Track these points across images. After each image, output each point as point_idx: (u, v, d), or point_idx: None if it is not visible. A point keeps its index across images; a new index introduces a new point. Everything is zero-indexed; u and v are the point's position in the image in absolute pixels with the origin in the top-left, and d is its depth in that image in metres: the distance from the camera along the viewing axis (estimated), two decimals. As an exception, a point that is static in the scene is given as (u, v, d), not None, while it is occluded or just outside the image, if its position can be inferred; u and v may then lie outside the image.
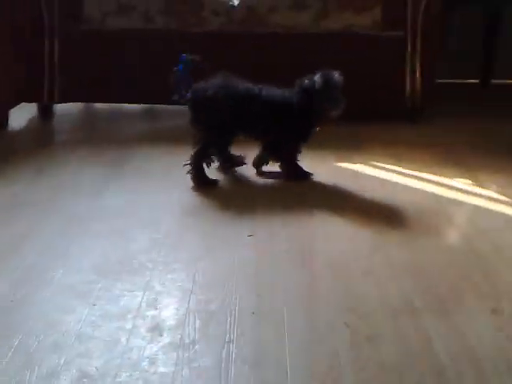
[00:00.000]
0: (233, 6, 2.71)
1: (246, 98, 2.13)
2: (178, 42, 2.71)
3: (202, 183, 2.16)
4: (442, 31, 2.90)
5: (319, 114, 2.14)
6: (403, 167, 2.35)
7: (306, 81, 2.12)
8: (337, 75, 2.11)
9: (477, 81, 3.53)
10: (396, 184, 2.21)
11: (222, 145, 2.22)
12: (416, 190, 2.15)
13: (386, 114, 2.89)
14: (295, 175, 2.22)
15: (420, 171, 2.31)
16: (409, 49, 2.70)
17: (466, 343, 1.32)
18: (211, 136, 2.15)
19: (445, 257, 1.70)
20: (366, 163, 2.39)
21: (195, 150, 2.14)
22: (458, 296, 1.50)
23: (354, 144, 2.60)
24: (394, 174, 2.30)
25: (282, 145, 2.20)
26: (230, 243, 1.76)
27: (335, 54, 2.70)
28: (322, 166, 2.35)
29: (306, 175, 2.23)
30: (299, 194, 2.13)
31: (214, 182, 2.18)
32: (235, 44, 2.73)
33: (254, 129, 2.19)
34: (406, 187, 2.18)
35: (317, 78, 2.10)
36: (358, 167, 2.36)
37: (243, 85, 2.15)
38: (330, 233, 1.84)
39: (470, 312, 1.44)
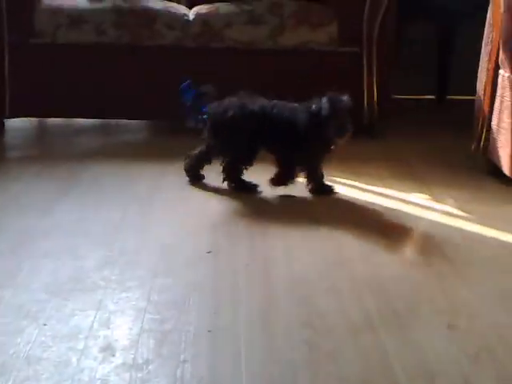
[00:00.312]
0: (188, 21, 2.69)
1: (261, 117, 2.15)
2: (130, 55, 2.68)
3: (243, 190, 2.19)
4: (397, 47, 2.93)
5: (327, 139, 2.12)
6: (361, 182, 2.36)
7: (314, 105, 2.10)
8: (345, 100, 2.08)
9: (433, 96, 3.58)
10: (354, 199, 2.21)
11: (245, 161, 2.20)
12: (374, 205, 2.15)
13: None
14: (319, 190, 2.21)
15: (377, 186, 2.32)
16: (365, 64, 2.72)
17: (423, 359, 1.31)
18: (233, 154, 2.17)
19: (403, 272, 1.69)
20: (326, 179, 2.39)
21: (224, 165, 2.18)
22: (416, 311, 1.50)
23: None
24: (353, 190, 2.30)
25: (299, 163, 2.20)
26: (189, 259, 1.73)
27: (292, 70, 2.71)
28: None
29: (330, 190, 2.22)
30: (260, 209, 2.11)
31: (255, 188, 2.21)
32: (190, 58, 2.71)
33: (271, 146, 2.20)
34: (364, 202, 2.18)
35: (324, 103, 2.07)
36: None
37: (258, 103, 2.16)
38: (292, 248, 1.82)
39: (426, 327, 1.43)
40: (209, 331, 1.39)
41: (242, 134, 2.14)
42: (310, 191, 2.20)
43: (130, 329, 1.39)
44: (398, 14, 2.81)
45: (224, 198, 2.18)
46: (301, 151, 2.15)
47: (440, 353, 1.33)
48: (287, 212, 2.09)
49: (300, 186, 2.25)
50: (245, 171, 2.20)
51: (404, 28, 3.32)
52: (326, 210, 2.09)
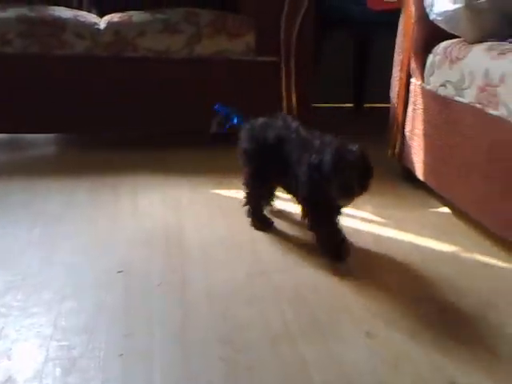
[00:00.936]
0: (98, 30, 2.60)
1: (274, 149, 1.85)
2: (38, 65, 2.56)
3: (257, 224, 2.01)
4: (315, 56, 2.94)
5: (329, 199, 1.70)
6: (280, 192, 2.33)
7: (314, 156, 1.70)
8: (353, 154, 1.65)
9: (351, 105, 3.62)
10: (275, 210, 2.17)
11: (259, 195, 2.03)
12: (292, 215, 2.13)
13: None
14: (324, 246, 1.82)
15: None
16: (283, 74, 2.71)
17: (342, 369, 1.29)
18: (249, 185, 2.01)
19: (322, 281, 1.68)
20: (231, 188, 2.35)
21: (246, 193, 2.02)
22: (335, 320, 1.48)
23: (234, 170, 2.55)
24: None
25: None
26: (98, 280, 1.64)
27: (209, 79, 2.66)
28: (198, 194, 2.29)
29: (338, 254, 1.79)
30: (175, 227, 2.04)
31: (269, 224, 2.01)
32: (102, 68, 2.61)
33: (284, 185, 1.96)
34: (283, 213, 2.15)
35: (326, 156, 1.66)
36: (239, 193, 2.31)
37: (274, 131, 1.87)
38: (210, 261, 1.77)
39: (345, 336, 1.42)
40: (120, 355, 1.32)
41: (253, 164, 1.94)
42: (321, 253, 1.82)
43: (34, 358, 1.30)
44: (316, 23, 2.81)
45: (137, 215, 2.10)
46: (304, 205, 1.84)
47: (359, 361, 1.32)
48: (205, 225, 2.03)
49: (213, 200, 2.20)
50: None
51: (322, 38, 3.34)
52: (242, 222, 2.05)
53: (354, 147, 1.67)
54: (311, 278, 1.69)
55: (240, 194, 2.27)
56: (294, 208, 1.97)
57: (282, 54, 2.69)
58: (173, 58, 2.64)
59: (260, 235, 1.95)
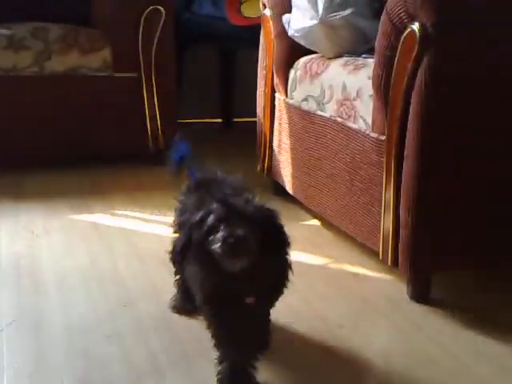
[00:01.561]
0: None
1: None
2: None
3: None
4: (178, 72, 2.89)
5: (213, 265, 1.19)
6: (147, 213, 2.25)
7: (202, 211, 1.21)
8: (242, 204, 1.20)
9: (220, 120, 3.61)
10: (138, 232, 2.09)
11: None
12: (160, 237, 2.05)
13: (131, 158, 2.79)
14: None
15: (165, 215, 2.23)
16: (145, 90, 2.64)
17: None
18: None
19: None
20: (106, 212, 2.24)
21: None
22: (203, 351, 1.40)
23: (94, 192, 2.45)
24: (137, 222, 2.18)
25: None
26: None
27: (64, 97, 2.54)
28: (56, 221, 2.14)
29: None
30: (27, 258, 1.89)
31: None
32: None
33: None
34: (148, 234, 2.07)
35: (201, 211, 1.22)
36: (98, 217, 2.20)
37: None
38: (68, 294, 1.65)
39: (214, 367, 1.35)
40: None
41: None
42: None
43: None
44: (178, 38, 2.77)
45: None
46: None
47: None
48: (63, 254, 1.91)
49: (72, 227, 2.07)
50: None
51: (186, 53, 3.31)
52: (106, 244, 1.95)
53: (251, 197, 1.23)
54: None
55: (100, 218, 2.17)
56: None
57: (142, 69, 2.62)
58: (21, 75, 2.50)
59: (124, 262, 1.86)
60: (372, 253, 1.80)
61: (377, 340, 1.49)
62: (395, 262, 1.65)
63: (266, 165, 2.43)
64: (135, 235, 2.06)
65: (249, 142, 2.63)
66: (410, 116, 1.54)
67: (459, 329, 1.54)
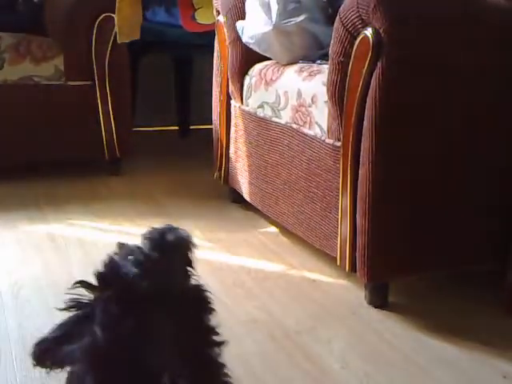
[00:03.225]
0: None
1: None
2: None
3: None
4: (132, 79, 2.86)
5: None
6: (103, 223, 2.22)
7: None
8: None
9: (177, 127, 3.58)
10: (94, 241, 2.05)
11: None
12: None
13: (86, 167, 2.74)
14: None
15: (121, 225, 2.20)
16: (99, 98, 2.60)
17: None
18: None
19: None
20: (62, 222, 2.19)
21: None
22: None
23: (50, 203, 2.39)
24: (94, 231, 2.14)
25: None
26: None
27: (17, 107, 2.49)
28: (10, 232, 2.09)
29: None
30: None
31: None
32: None
33: None
34: (105, 244, 2.03)
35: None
36: (54, 228, 2.15)
37: None
38: (22, 308, 1.59)
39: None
40: None
41: None
42: None
43: None
44: (132, 46, 2.74)
45: None
46: None
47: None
48: (16, 266, 1.85)
49: (29, 238, 2.02)
50: None
51: (140, 60, 3.27)
52: (62, 254, 1.91)
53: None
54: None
55: (56, 228, 2.11)
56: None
57: (96, 77, 2.58)
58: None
59: (79, 271, 1.82)
60: (330, 259, 1.80)
61: (335, 345, 1.49)
62: (353, 268, 1.66)
63: (223, 172, 2.42)
64: (91, 245, 2.02)
65: (205, 149, 2.62)
66: (364, 122, 1.55)
67: (416, 333, 1.55)
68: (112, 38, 2.53)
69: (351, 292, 1.75)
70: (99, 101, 2.60)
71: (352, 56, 1.56)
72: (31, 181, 2.58)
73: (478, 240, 1.70)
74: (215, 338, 0.85)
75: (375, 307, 1.66)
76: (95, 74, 2.57)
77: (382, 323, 1.59)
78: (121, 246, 0.90)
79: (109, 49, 2.55)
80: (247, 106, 2.20)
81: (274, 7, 1.96)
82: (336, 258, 1.71)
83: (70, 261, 1.90)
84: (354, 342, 1.52)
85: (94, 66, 2.56)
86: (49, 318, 1.55)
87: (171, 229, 0.86)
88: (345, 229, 1.65)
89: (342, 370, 1.39)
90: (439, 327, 1.58)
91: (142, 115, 3.24)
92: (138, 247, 0.86)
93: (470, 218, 1.67)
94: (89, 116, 2.61)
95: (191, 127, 3.55)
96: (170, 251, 0.84)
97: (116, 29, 2.45)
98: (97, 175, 2.70)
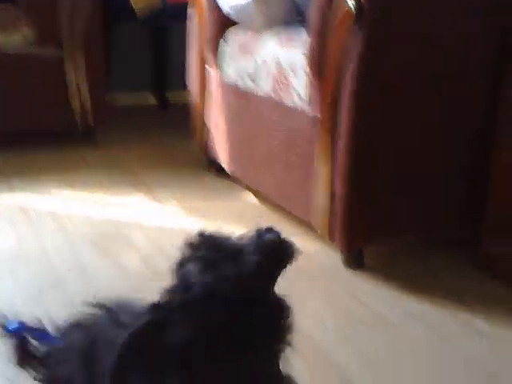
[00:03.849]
0: None
1: None
2: None
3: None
4: (106, 47, 2.80)
5: None
6: (79, 192, 2.19)
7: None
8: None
9: (153, 97, 3.54)
10: (71, 212, 2.02)
11: None
12: (93, 216, 2.00)
13: (61, 139, 2.69)
14: None
15: (98, 194, 2.18)
16: (70, 67, 2.54)
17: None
18: None
19: (126, 283, 1.57)
20: (34, 193, 2.16)
21: None
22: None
23: (21, 173, 2.35)
24: (70, 202, 2.11)
25: None
26: None
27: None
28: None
29: None
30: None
31: None
32: None
33: None
34: (83, 215, 2.00)
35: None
36: (25, 199, 2.11)
37: None
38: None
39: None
40: None
41: None
42: None
43: None
44: (105, 13, 2.67)
45: None
46: None
47: None
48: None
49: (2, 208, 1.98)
50: None
51: (116, 27, 3.21)
52: (34, 226, 1.88)
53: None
54: (114, 281, 1.58)
55: (28, 199, 2.08)
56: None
57: (66, 45, 2.51)
58: None
59: (52, 242, 1.80)
60: (308, 226, 1.81)
61: (311, 305, 1.52)
62: (331, 235, 1.67)
63: (201, 142, 2.40)
64: (65, 217, 1.99)
65: (183, 119, 2.59)
66: (343, 93, 1.55)
67: (389, 292, 1.59)
68: (85, 3, 2.46)
69: (328, 256, 1.77)
70: (71, 68, 2.53)
71: (332, 23, 1.55)
72: (1, 152, 2.53)
73: (447, 208, 1.73)
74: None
75: (351, 269, 1.70)
76: (65, 42, 2.50)
77: (356, 284, 1.63)
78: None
79: (81, 15, 2.48)
80: (226, 75, 2.16)
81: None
82: (315, 226, 1.73)
83: (41, 231, 1.87)
84: (327, 300, 1.55)
85: (65, 34, 2.50)
86: (19, 288, 1.54)
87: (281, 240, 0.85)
88: (323, 197, 1.66)
89: (317, 326, 1.42)
90: (412, 287, 1.61)
91: (116, 82, 3.18)
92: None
93: (440, 186, 1.69)
94: (60, 84, 2.55)
95: (170, 100, 3.49)
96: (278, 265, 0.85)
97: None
98: (72, 147, 2.66)
